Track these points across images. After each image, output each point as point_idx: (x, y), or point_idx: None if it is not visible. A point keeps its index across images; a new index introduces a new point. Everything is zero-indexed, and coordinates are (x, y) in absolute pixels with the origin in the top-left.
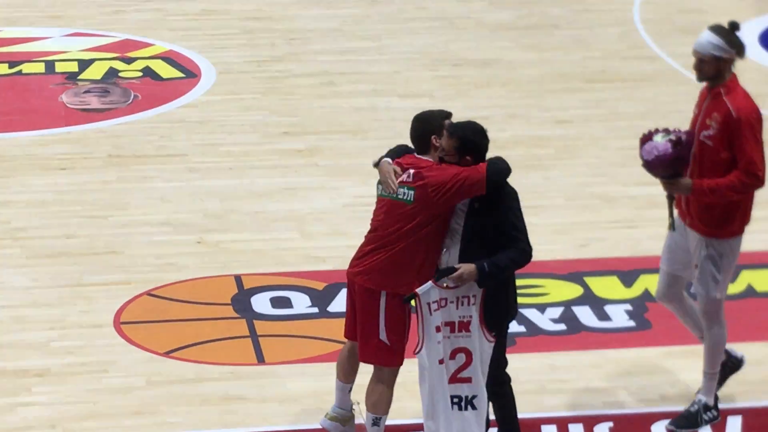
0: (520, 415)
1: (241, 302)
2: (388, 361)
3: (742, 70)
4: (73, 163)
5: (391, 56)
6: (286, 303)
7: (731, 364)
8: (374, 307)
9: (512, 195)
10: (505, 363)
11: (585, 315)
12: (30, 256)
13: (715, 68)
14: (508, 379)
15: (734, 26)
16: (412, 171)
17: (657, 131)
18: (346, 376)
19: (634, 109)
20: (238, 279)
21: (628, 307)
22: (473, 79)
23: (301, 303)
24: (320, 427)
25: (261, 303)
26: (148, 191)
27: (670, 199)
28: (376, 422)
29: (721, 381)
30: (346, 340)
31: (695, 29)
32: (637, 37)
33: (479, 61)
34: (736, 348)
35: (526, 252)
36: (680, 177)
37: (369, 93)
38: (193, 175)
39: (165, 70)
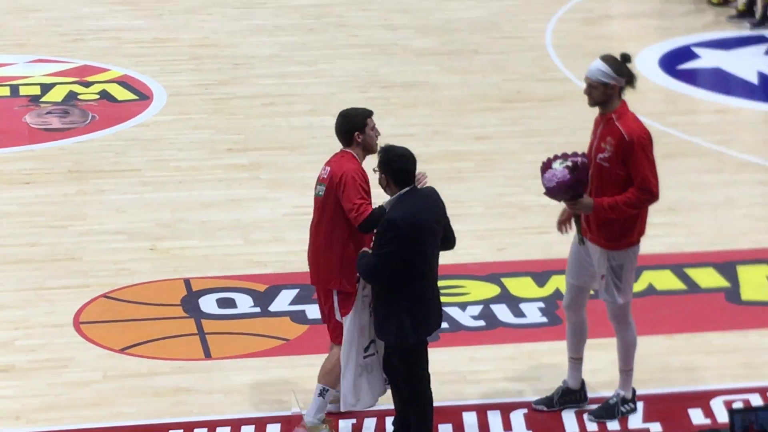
0: (443, 404)
1: (190, 303)
2: (341, 339)
3: (643, 90)
4: (36, 178)
5: (326, 79)
6: (230, 303)
7: (576, 396)
8: (329, 294)
9: (389, 229)
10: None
11: (502, 312)
12: None
13: (603, 94)
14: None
15: (625, 57)
16: (327, 168)
17: (555, 158)
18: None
19: (546, 126)
20: (187, 282)
21: (541, 304)
22: (401, 100)
23: (245, 303)
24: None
25: (208, 304)
26: (104, 203)
27: (577, 217)
28: (322, 393)
29: (562, 403)
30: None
31: (601, 54)
32: (549, 61)
33: (406, 84)
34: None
35: (365, 270)
36: (581, 198)
37: (306, 113)
38: (145, 188)
39: (120, 93)
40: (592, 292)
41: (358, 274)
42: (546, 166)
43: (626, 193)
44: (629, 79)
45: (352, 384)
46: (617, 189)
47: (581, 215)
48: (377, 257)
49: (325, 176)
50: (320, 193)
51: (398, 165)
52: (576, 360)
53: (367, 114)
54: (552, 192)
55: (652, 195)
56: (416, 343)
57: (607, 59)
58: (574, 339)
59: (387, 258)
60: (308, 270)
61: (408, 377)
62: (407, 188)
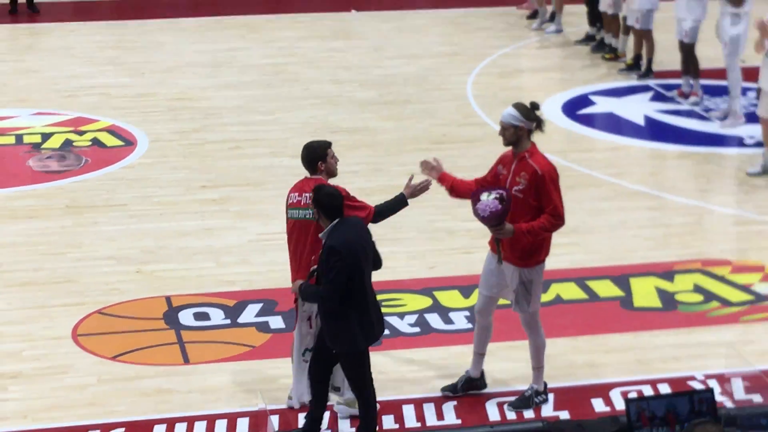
0: (386, 398)
1: (171, 317)
2: None
3: (549, 131)
4: (38, 213)
5: (283, 126)
6: (205, 316)
7: (477, 383)
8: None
9: (331, 255)
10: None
11: (434, 320)
12: (5, 285)
13: (514, 135)
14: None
15: (534, 105)
16: (307, 194)
17: (483, 191)
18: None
19: (469, 164)
20: (168, 299)
21: (467, 313)
22: (346, 143)
23: (217, 316)
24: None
25: (186, 317)
26: (97, 233)
27: (497, 240)
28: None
29: (465, 389)
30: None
31: (513, 102)
32: (470, 108)
33: (350, 129)
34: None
35: (322, 298)
36: (504, 224)
37: (267, 155)
38: (132, 220)
39: (109, 140)
40: (506, 302)
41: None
42: (476, 197)
43: (540, 219)
44: (538, 123)
45: (304, 384)
46: (528, 216)
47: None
48: (328, 283)
49: (309, 201)
50: (307, 216)
51: (327, 201)
52: (479, 355)
53: (327, 145)
54: (486, 219)
55: (562, 220)
56: (363, 350)
57: (518, 106)
58: (480, 338)
59: (336, 281)
60: (270, 288)
61: (356, 381)
62: (337, 220)
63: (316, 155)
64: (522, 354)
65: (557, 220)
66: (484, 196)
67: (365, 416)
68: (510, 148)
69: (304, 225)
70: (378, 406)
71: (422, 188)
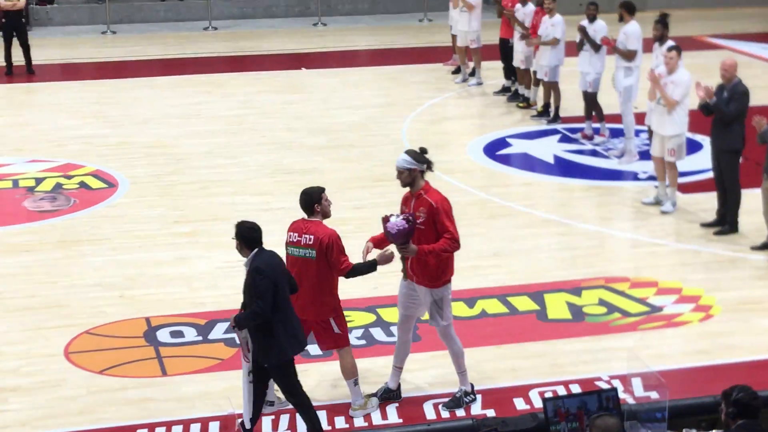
0: (337, 402)
1: (150, 335)
2: (345, 343)
3: (472, 170)
4: (33, 247)
5: (245, 169)
6: (180, 334)
7: (394, 394)
8: (326, 323)
9: (257, 274)
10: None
11: (378, 333)
12: (4, 310)
13: (409, 177)
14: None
15: (423, 150)
16: (308, 236)
17: (391, 215)
18: None
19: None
20: (147, 320)
21: None
22: (299, 182)
23: (190, 333)
24: (205, 416)
25: (163, 335)
26: (85, 264)
27: (404, 258)
28: (356, 383)
29: (383, 399)
30: None
31: (442, 144)
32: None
33: (302, 170)
34: (470, 351)
35: (257, 313)
36: (409, 244)
37: (231, 193)
38: (115, 251)
39: (94, 183)
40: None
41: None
42: (386, 219)
43: (439, 242)
44: (428, 164)
45: (250, 403)
46: (429, 244)
47: (408, 260)
48: (259, 299)
49: (311, 242)
50: (307, 255)
51: (248, 234)
52: (398, 368)
53: (321, 190)
54: (395, 237)
55: (457, 243)
56: (290, 360)
57: (409, 152)
58: (399, 352)
59: (266, 296)
60: (236, 309)
61: (290, 387)
62: (256, 249)
63: (313, 199)
64: (445, 362)
65: (453, 243)
66: (393, 218)
67: (308, 417)
68: (408, 189)
69: (304, 262)
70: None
71: (388, 258)
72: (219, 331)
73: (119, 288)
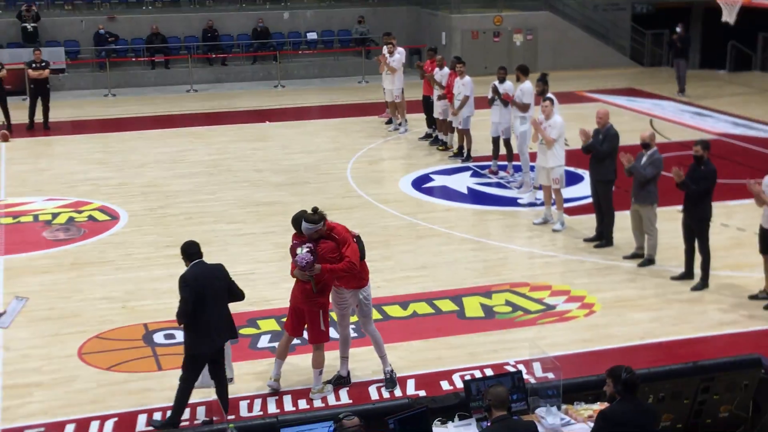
0: (298, 387)
1: (148, 338)
2: (324, 339)
3: (403, 200)
4: (51, 269)
5: (222, 203)
6: (172, 336)
7: (345, 380)
8: (315, 315)
9: (181, 282)
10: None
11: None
12: (29, 321)
13: (317, 234)
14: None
15: (315, 209)
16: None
17: (297, 246)
18: (283, 356)
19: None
20: (145, 326)
21: (353, 326)
22: (266, 212)
23: (181, 336)
24: (193, 401)
25: (158, 337)
26: (94, 282)
27: (311, 277)
28: (320, 373)
29: (335, 384)
30: (286, 333)
31: (380, 180)
32: (350, 186)
33: (268, 203)
34: (405, 344)
35: (177, 314)
36: (314, 266)
37: (211, 222)
38: (118, 271)
39: (100, 216)
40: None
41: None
42: (294, 249)
43: (341, 263)
44: (323, 218)
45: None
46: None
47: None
48: (180, 303)
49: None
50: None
51: (186, 249)
52: (344, 358)
53: (312, 210)
54: (303, 268)
55: (354, 264)
56: (196, 354)
57: (306, 218)
58: (343, 346)
59: (185, 301)
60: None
61: (185, 374)
62: (195, 261)
63: (297, 223)
64: (390, 354)
65: (351, 264)
66: (299, 251)
67: (177, 405)
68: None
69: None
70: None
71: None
72: None
73: (122, 300)
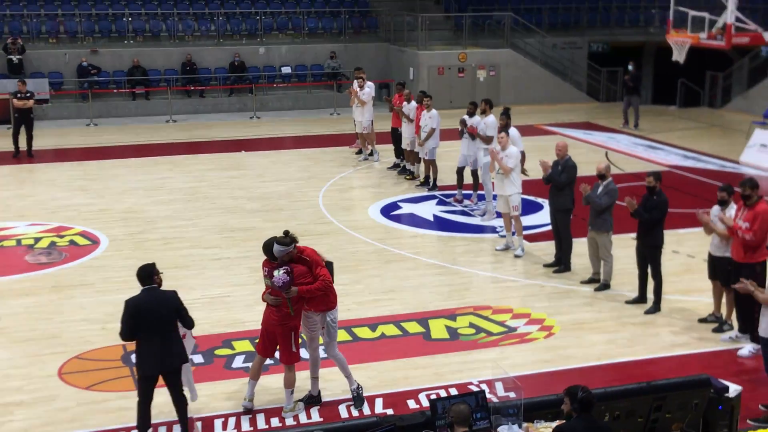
0: (270, 406)
1: (126, 358)
2: (295, 360)
3: (372, 226)
4: (33, 291)
5: (199, 228)
6: None
7: (316, 399)
8: (287, 337)
9: (124, 306)
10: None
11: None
12: (11, 342)
13: (288, 256)
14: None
15: (286, 232)
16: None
17: (274, 267)
18: (256, 377)
19: (321, 249)
20: (123, 346)
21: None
22: (241, 238)
23: None
24: (170, 420)
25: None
26: (75, 303)
27: (288, 299)
28: (292, 392)
29: (307, 403)
30: (258, 355)
31: (350, 207)
32: (321, 213)
33: (243, 228)
34: (373, 365)
35: (119, 334)
36: (291, 288)
37: (188, 247)
38: (98, 294)
39: (81, 241)
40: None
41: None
42: (271, 275)
43: (315, 283)
44: (293, 240)
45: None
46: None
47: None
48: (121, 324)
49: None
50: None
51: (139, 273)
52: (314, 378)
53: (271, 242)
54: (280, 288)
55: (328, 283)
56: (141, 375)
57: (278, 240)
58: (313, 367)
59: (124, 324)
60: (195, 335)
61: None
62: (146, 287)
63: (269, 248)
64: (359, 374)
65: (325, 283)
66: (276, 273)
67: (138, 420)
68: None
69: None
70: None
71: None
72: None
73: (101, 322)
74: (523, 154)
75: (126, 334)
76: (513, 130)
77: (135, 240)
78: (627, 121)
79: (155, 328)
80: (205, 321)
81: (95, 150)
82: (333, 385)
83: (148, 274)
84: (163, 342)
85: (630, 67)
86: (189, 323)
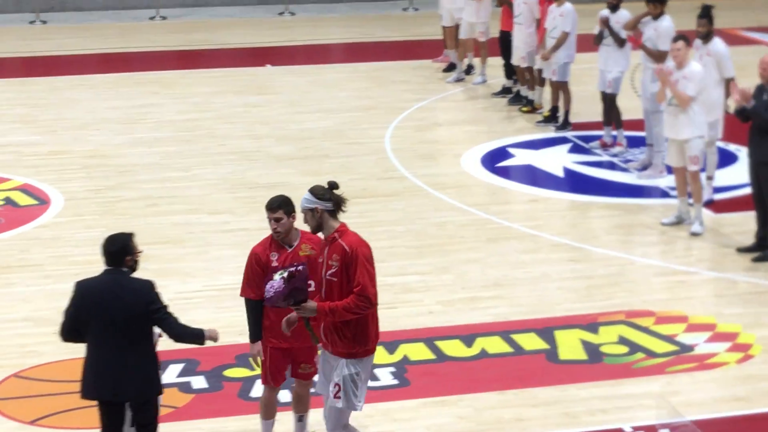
0: None
1: None
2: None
3: (469, 184)
4: None
5: (201, 183)
6: None
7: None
8: (311, 350)
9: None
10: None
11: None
12: None
13: (314, 218)
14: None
15: (331, 185)
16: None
17: (277, 269)
18: (271, 414)
19: (388, 218)
20: None
21: (393, 369)
22: (265, 199)
23: None
24: None
25: None
26: (12, 294)
27: (306, 320)
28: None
29: None
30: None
31: (432, 155)
32: (389, 162)
33: (269, 185)
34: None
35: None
36: (305, 302)
37: (184, 212)
38: (47, 280)
39: (22, 199)
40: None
41: None
42: (269, 277)
43: (346, 299)
44: (336, 202)
45: None
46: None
47: (313, 322)
48: (64, 314)
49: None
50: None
51: (107, 248)
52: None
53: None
54: (271, 301)
55: (369, 301)
56: (85, 399)
57: (313, 189)
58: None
59: (64, 313)
60: (193, 347)
61: None
62: (107, 268)
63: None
64: (436, 410)
65: (364, 301)
66: (275, 275)
67: None
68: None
69: None
70: None
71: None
72: (172, 374)
73: (53, 323)
74: (729, 82)
75: (65, 330)
76: (718, 43)
77: (103, 199)
78: None
79: (111, 330)
80: (208, 325)
81: (43, 61)
82: (410, 425)
83: (119, 248)
84: (119, 353)
85: None
86: (169, 332)
